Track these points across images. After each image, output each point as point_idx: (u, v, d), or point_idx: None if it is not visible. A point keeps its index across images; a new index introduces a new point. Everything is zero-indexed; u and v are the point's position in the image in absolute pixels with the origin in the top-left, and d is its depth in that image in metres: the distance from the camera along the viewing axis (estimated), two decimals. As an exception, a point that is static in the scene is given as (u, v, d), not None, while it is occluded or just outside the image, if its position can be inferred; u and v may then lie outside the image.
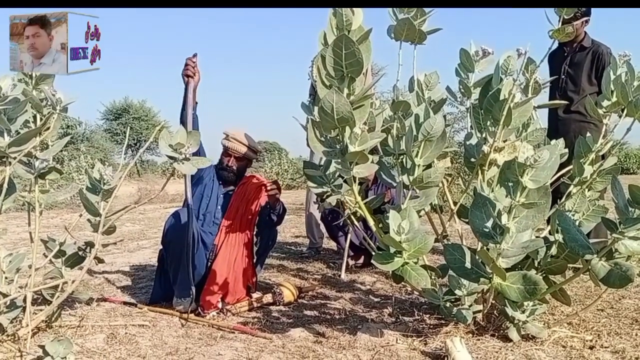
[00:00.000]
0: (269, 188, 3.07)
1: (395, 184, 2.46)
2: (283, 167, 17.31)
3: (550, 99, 3.95)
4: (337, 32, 1.93)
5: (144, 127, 22.24)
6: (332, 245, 4.83)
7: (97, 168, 2.38)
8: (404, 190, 2.36)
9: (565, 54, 3.98)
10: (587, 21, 3.89)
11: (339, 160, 2.13)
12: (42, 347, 2.00)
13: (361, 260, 4.10)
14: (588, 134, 2.60)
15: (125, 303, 3.08)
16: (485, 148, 2.31)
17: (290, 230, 6.35)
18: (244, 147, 3.21)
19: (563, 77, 3.97)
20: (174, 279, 2.94)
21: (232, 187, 3.25)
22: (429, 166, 2.31)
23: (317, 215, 4.53)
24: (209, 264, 3.03)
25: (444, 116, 2.46)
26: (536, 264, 2.39)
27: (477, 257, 2.19)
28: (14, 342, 2.27)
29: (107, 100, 25.36)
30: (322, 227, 4.60)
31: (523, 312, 2.32)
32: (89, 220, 2.41)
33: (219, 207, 3.16)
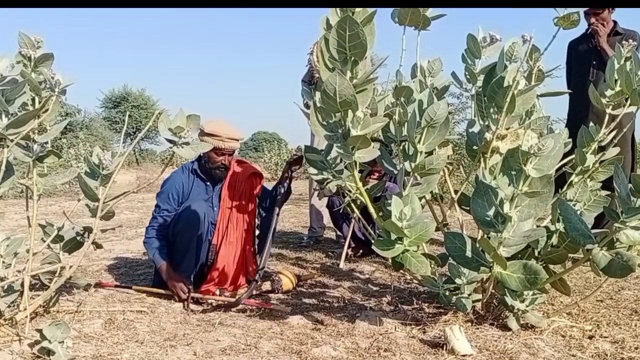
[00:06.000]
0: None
1: (396, 172, 2.44)
2: (282, 157, 17.27)
3: (576, 88, 3.85)
4: (341, 14, 1.90)
5: (143, 115, 22.18)
6: (332, 234, 4.82)
7: (95, 152, 2.36)
8: (405, 177, 2.34)
9: (596, 40, 3.86)
10: (612, 9, 3.82)
11: (341, 145, 2.11)
12: (40, 331, 1.99)
13: (360, 251, 4.10)
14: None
15: (118, 286, 3.09)
16: (488, 135, 2.29)
17: (290, 219, 6.34)
18: (237, 143, 3.04)
19: (594, 62, 3.85)
20: (177, 266, 2.94)
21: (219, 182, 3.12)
22: (430, 153, 2.29)
23: (318, 204, 4.51)
24: (210, 262, 3.03)
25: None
26: (536, 254, 2.37)
27: (477, 246, 2.18)
28: (11, 327, 2.26)
29: (106, 88, 25.30)
30: (323, 217, 4.59)
31: (522, 301, 2.31)
32: (87, 205, 2.40)
33: (215, 209, 3.07)
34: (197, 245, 2.96)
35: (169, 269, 2.92)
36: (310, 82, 4.37)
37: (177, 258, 2.95)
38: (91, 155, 2.36)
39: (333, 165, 2.51)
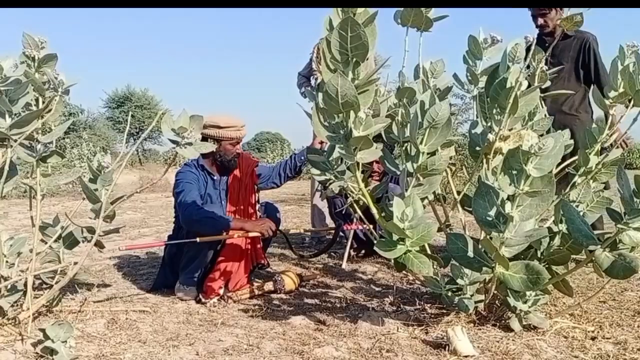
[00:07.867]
0: None
1: (398, 172, 2.44)
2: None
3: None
4: (342, 15, 1.91)
5: (146, 115, 22.22)
6: (334, 235, 4.81)
7: (96, 158, 2.38)
8: (408, 178, 2.34)
9: (547, 45, 3.71)
10: (560, 9, 3.68)
11: (343, 146, 2.11)
12: (43, 330, 2.00)
13: (363, 251, 4.09)
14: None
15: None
16: (491, 136, 2.28)
17: (292, 220, 6.35)
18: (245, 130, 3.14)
19: (552, 61, 3.74)
20: (185, 265, 2.95)
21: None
22: (433, 154, 2.29)
23: (321, 204, 4.51)
24: (217, 255, 3.03)
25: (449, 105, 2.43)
26: (539, 255, 2.37)
27: (479, 246, 2.18)
28: (14, 326, 2.28)
29: (109, 88, 25.35)
30: (326, 218, 4.58)
31: (525, 302, 2.31)
32: (92, 209, 2.41)
33: (224, 202, 3.09)
34: (209, 246, 2.97)
35: (240, 218, 3.02)
36: (308, 77, 4.42)
37: (186, 258, 2.95)
38: (91, 161, 2.38)
39: (335, 166, 2.51)
